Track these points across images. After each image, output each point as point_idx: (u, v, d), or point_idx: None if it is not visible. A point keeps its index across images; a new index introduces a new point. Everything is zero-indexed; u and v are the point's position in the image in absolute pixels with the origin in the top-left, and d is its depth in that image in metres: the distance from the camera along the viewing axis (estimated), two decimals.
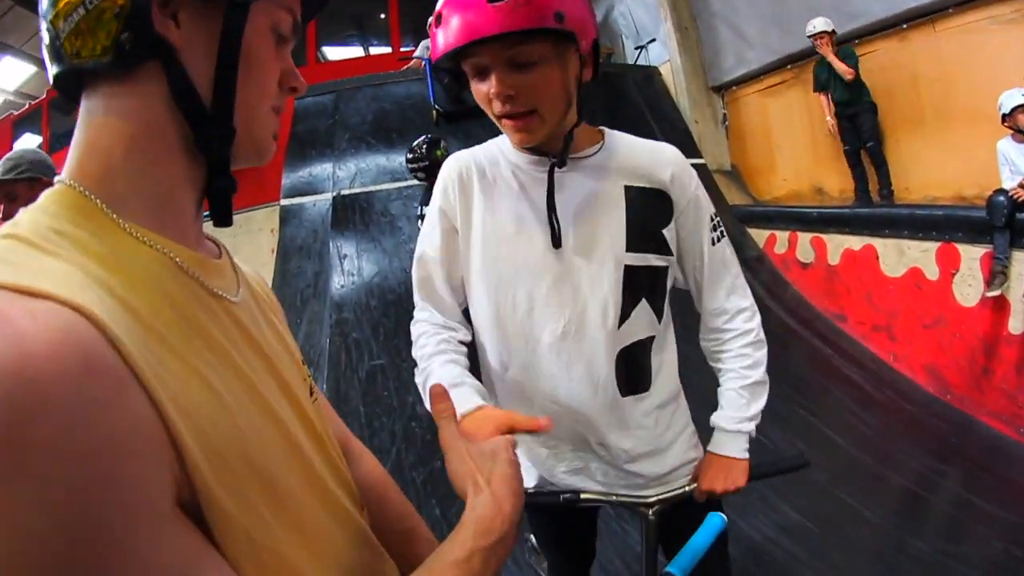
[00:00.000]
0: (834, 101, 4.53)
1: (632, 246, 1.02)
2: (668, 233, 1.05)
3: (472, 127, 4.63)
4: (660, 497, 1.07)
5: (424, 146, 3.61)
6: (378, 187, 5.13)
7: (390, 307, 4.29)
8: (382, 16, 8.85)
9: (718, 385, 1.15)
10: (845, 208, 4.69)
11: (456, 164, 1.10)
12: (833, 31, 4.34)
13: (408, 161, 3.70)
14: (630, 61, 7.64)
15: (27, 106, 9.42)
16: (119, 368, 0.35)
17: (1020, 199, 3.24)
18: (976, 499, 2.79)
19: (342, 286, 4.53)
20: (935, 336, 3.78)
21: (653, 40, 7.03)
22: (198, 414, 0.40)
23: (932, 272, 3.86)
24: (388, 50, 9.04)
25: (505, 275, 1.04)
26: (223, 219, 0.53)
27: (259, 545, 0.43)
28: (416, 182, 4.00)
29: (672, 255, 1.06)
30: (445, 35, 0.89)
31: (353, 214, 4.97)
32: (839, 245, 4.58)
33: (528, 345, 1.05)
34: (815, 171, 5.37)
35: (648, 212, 1.04)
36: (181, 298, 0.46)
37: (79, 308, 0.35)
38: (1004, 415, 3.19)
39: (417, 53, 6.60)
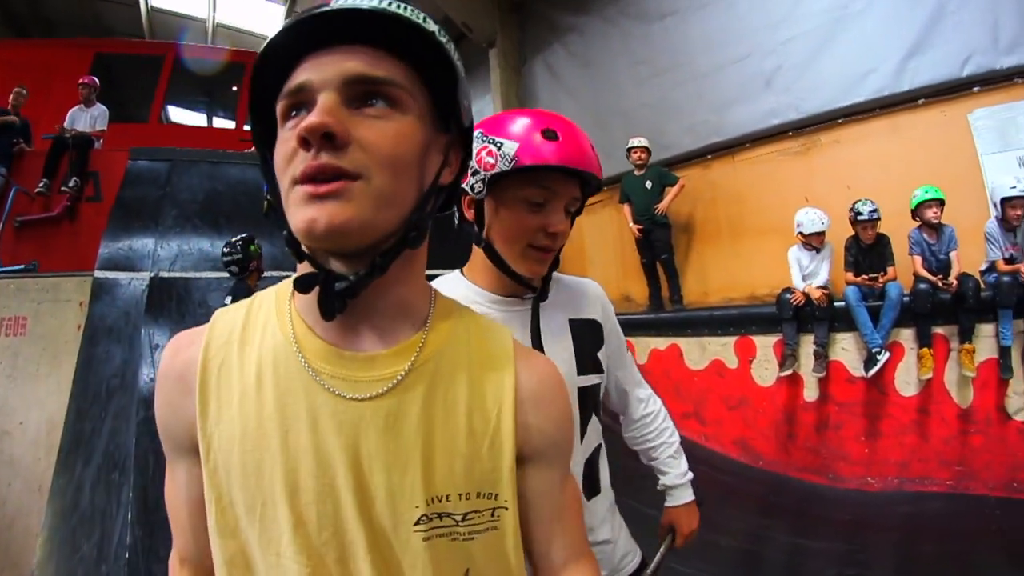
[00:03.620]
0: (633, 213, 5.19)
1: (580, 370, 1.15)
2: (601, 355, 1.21)
3: None
4: (656, 562, 1.32)
5: (240, 242, 3.83)
6: (199, 274, 4.58)
7: None
8: (234, 88, 8.35)
9: None
10: (651, 314, 5.29)
11: None
12: (648, 149, 5.08)
13: (224, 255, 3.88)
14: None
15: None
16: (194, 361, 0.63)
17: (799, 303, 3.99)
18: (803, 541, 3.11)
19: (151, 379, 3.79)
20: (740, 415, 4.30)
21: None
22: (219, 416, 0.61)
23: (732, 361, 4.48)
24: (231, 125, 8.50)
25: None
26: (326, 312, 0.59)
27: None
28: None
29: (604, 372, 1.22)
30: (561, 149, 0.99)
31: (169, 300, 4.32)
32: (646, 346, 5.12)
33: None
34: (623, 282, 6.05)
35: (588, 340, 1.18)
36: (277, 369, 0.61)
37: (207, 334, 0.65)
38: (812, 467, 3.69)
39: None
